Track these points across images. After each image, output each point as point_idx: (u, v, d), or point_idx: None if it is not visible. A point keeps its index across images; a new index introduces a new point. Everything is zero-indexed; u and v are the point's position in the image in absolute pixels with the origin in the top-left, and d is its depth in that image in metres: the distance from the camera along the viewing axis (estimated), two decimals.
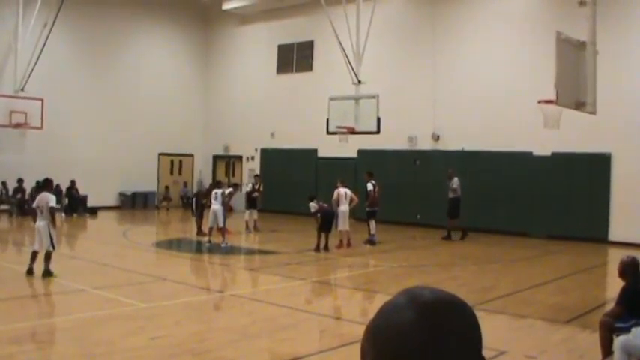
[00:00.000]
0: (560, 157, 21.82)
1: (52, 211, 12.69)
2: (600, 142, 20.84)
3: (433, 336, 1.12)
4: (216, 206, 18.64)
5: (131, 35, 31.04)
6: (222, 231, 18.65)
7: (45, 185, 13.32)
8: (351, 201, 19.03)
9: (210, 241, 18.58)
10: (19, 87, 26.26)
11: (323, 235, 18.09)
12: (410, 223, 24.67)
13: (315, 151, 28.64)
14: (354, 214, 20.25)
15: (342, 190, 18.98)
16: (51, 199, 12.80)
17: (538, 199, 21.59)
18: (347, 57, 22.64)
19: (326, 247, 18.08)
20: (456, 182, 21.02)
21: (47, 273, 12.64)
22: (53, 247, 12.78)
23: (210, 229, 18.74)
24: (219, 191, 18.99)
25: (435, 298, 1.18)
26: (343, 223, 18.78)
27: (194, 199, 22.50)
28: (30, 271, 12.77)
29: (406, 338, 1.12)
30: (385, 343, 1.15)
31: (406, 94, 25.39)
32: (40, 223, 12.80)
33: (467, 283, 13.92)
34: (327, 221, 18.10)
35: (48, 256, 12.72)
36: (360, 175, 25.93)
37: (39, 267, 12.78)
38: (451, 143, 24.51)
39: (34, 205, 13.05)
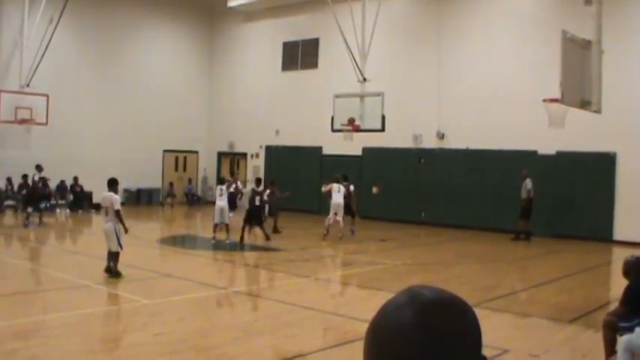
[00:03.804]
0: (565, 156, 21.79)
1: (117, 214, 12.51)
2: (605, 142, 20.80)
3: (432, 336, 1.12)
4: (221, 202, 18.65)
5: (136, 32, 31.07)
6: (228, 228, 18.68)
7: (110, 185, 12.96)
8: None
9: (214, 239, 18.59)
10: (25, 83, 26.32)
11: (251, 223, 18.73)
12: (414, 221, 24.65)
13: (319, 148, 28.64)
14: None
15: (336, 185, 20.12)
16: (115, 201, 12.59)
17: (542, 198, 21.54)
18: (352, 55, 22.65)
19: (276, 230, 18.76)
20: (529, 183, 20.85)
21: (116, 273, 12.51)
22: (121, 248, 12.55)
23: (215, 225, 18.74)
24: (224, 187, 19.01)
25: (435, 297, 1.18)
26: (333, 215, 19.88)
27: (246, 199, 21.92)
28: (109, 270, 12.60)
29: (405, 337, 1.13)
30: (385, 341, 1.15)
31: (411, 92, 25.38)
32: (106, 225, 12.66)
33: (471, 281, 13.92)
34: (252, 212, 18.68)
35: (115, 257, 12.57)
36: (365, 172, 26.00)
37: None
38: (456, 141, 24.48)
39: (101, 204, 12.97)
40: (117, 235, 12.49)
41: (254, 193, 18.95)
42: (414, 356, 1.12)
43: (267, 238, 18.93)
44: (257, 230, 20.35)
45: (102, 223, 12.75)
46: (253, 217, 18.70)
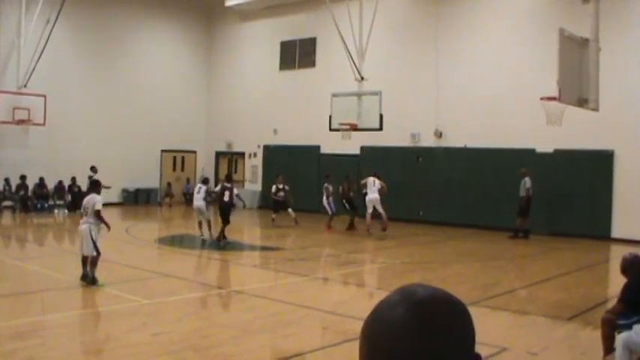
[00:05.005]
0: (563, 154, 21.80)
1: (97, 215, 11.95)
2: (603, 139, 20.81)
3: (425, 333, 1.13)
4: (198, 202, 18.66)
5: (134, 32, 31.04)
6: (210, 224, 18.64)
7: (92, 186, 12.53)
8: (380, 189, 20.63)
9: (202, 234, 18.55)
10: (22, 83, 26.29)
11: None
12: (412, 219, 24.64)
13: (317, 147, 28.64)
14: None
15: (372, 179, 20.46)
16: (97, 202, 12.03)
17: (540, 196, 21.53)
18: (350, 53, 22.67)
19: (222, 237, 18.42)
20: (528, 182, 20.80)
21: (92, 280, 11.82)
22: (97, 252, 11.88)
23: (200, 223, 18.68)
24: (203, 187, 18.96)
25: (428, 295, 1.18)
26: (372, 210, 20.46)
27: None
28: (84, 277, 11.92)
29: (399, 335, 1.13)
30: (378, 340, 1.15)
31: (409, 90, 25.37)
32: (82, 226, 12.00)
33: (469, 280, 13.93)
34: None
35: (92, 261, 11.90)
36: (364, 171, 25.96)
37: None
38: (454, 140, 24.48)
39: (84, 205, 12.28)
40: (92, 238, 11.85)
41: (223, 188, 18.92)
42: (407, 353, 1.12)
43: (220, 238, 18.42)
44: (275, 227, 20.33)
45: (80, 225, 12.15)
46: (221, 213, 18.67)
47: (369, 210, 20.54)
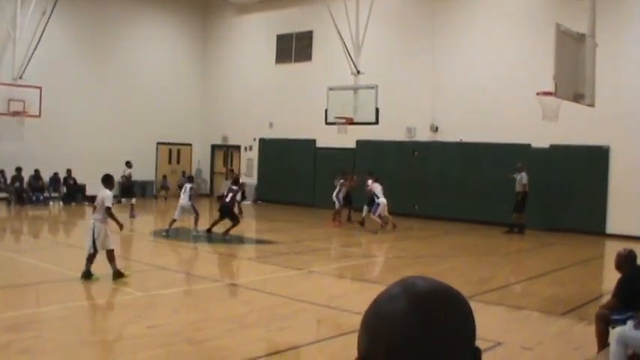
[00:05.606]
0: (559, 149, 21.82)
1: (107, 212, 11.61)
2: (599, 135, 20.84)
3: (425, 326, 1.12)
4: (183, 201, 18.56)
5: (130, 24, 30.95)
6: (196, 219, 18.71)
7: (103, 180, 12.11)
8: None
9: (167, 232, 18.39)
10: (18, 75, 26.20)
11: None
12: (408, 214, 24.65)
13: (313, 141, 28.62)
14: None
15: (378, 186, 20.86)
16: (107, 198, 11.57)
17: (536, 191, 21.57)
18: (346, 47, 22.65)
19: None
20: (525, 177, 20.76)
21: (85, 274, 11.58)
22: (94, 250, 11.55)
23: (174, 220, 18.59)
24: (189, 185, 18.87)
25: (428, 288, 1.18)
26: (382, 211, 20.73)
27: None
28: (118, 274, 11.66)
29: (398, 328, 1.12)
30: (378, 332, 1.15)
31: (405, 84, 25.36)
32: (90, 221, 11.80)
33: (464, 274, 13.94)
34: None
35: (89, 257, 11.63)
36: (359, 165, 25.98)
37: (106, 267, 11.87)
38: (449, 134, 24.50)
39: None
40: (93, 235, 11.53)
41: (229, 190, 18.97)
42: (407, 346, 1.12)
43: (209, 230, 18.63)
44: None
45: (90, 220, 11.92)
46: (221, 212, 18.64)
47: (381, 212, 20.78)
